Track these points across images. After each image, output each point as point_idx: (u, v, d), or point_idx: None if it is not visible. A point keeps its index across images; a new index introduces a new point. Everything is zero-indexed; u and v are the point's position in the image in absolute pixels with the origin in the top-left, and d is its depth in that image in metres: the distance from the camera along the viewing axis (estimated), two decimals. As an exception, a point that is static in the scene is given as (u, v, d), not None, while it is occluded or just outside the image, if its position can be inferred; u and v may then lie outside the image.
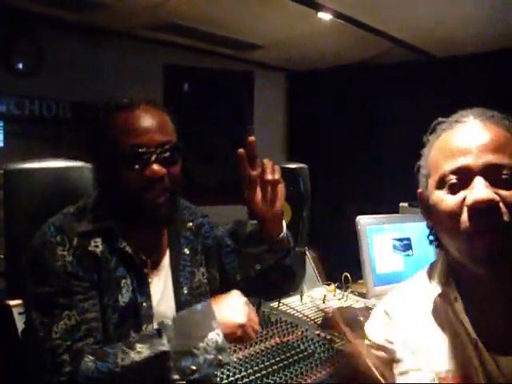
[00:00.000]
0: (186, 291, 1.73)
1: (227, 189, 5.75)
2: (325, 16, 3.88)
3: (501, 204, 1.13)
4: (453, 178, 1.18)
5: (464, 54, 4.64)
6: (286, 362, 2.29)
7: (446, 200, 1.19)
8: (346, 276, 3.14)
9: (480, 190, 1.13)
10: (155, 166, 1.54)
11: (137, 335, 1.50)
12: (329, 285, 3.25)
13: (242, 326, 1.51)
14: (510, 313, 1.20)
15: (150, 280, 1.67)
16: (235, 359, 2.28)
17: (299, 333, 2.60)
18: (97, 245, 1.58)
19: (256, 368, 2.21)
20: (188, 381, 1.48)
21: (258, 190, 1.68)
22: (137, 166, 1.54)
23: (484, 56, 4.56)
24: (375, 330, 1.43)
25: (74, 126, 4.53)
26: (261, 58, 5.42)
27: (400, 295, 1.43)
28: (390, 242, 3.10)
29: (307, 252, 3.39)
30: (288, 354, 2.36)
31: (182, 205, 1.82)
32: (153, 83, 5.15)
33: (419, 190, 1.32)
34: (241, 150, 1.64)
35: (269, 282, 1.82)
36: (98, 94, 4.41)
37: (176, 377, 1.43)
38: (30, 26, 4.26)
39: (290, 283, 1.97)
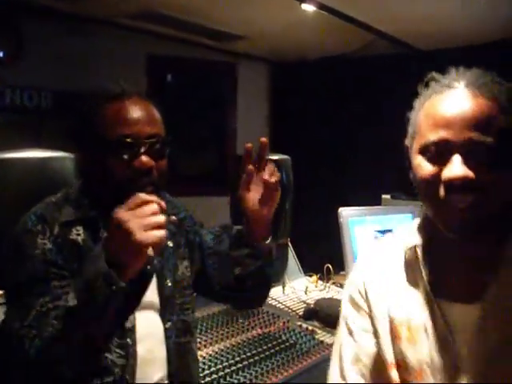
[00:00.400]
0: (169, 283, 1.72)
1: (210, 180, 5.77)
2: (308, 7, 3.88)
3: (476, 181, 1.15)
4: (433, 149, 1.20)
5: (449, 47, 4.66)
6: (267, 353, 2.30)
7: (425, 168, 1.22)
8: (327, 267, 3.15)
9: (456, 167, 1.15)
10: (144, 158, 1.54)
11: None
12: (311, 276, 3.26)
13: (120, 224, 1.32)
14: (469, 270, 1.26)
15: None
16: (216, 350, 2.29)
17: (281, 324, 2.61)
18: (78, 233, 1.57)
19: (238, 359, 2.22)
20: None
21: (254, 188, 1.67)
22: (125, 156, 1.53)
23: (469, 50, 4.59)
24: (356, 273, 1.50)
25: (56, 115, 4.50)
26: (244, 48, 5.41)
27: (380, 245, 1.50)
28: (371, 233, 3.11)
29: (289, 244, 3.41)
30: (270, 345, 2.38)
31: (164, 198, 1.81)
32: (136, 73, 5.12)
33: (406, 143, 1.34)
34: (249, 145, 1.62)
35: (244, 291, 1.81)
36: (81, 84, 4.40)
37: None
38: (11, 15, 4.22)
39: (262, 296, 1.95)
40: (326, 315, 2.64)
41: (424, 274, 1.30)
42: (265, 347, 2.35)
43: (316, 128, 5.64)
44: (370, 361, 1.39)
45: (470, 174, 1.15)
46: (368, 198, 3.04)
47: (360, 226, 3.07)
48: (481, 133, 1.15)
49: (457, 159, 1.16)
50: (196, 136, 5.67)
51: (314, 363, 2.27)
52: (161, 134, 1.61)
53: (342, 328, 1.47)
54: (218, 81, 5.88)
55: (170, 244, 1.77)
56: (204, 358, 2.20)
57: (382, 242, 1.52)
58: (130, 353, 1.53)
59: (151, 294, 1.70)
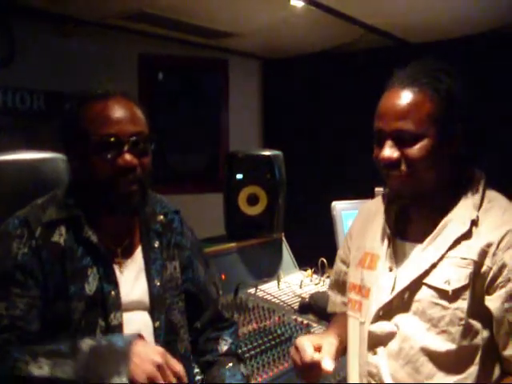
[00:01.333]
0: (158, 283, 1.73)
1: (203, 177, 5.78)
2: (297, 3, 3.88)
3: (402, 159, 1.50)
4: (376, 136, 1.57)
5: (438, 39, 4.67)
6: (263, 347, 2.33)
7: (375, 150, 1.59)
8: (322, 261, 3.17)
9: (385, 150, 1.52)
10: (127, 156, 1.56)
11: (48, 346, 1.44)
12: (305, 270, 3.29)
13: (155, 363, 1.38)
14: (417, 219, 1.64)
15: (120, 269, 1.67)
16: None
17: (276, 318, 2.64)
18: (61, 234, 1.58)
19: (234, 353, 2.23)
20: None
21: None
22: (109, 156, 1.55)
23: (458, 41, 4.60)
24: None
25: (48, 116, 4.51)
26: (235, 45, 5.41)
27: (373, 200, 1.90)
28: (364, 226, 3.13)
29: (283, 238, 3.43)
30: (266, 339, 2.40)
31: (154, 198, 1.83)
32: (127, 73, 5.13)
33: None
34: None
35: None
36: (73, 85, 4.39)
37: None
38: (2, 16, 4.22)
39: None
40: (321, 309, 2.66)
41: (385, 217, 1.68)
42: (261, 341, 2.38)
43: (308, 123, 5.65)
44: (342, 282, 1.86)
45: (394, 155, 1.51)
46: (361, 191, 3.06)
47: (353, 219, 3.09)
48: (404, 122, 1.49)
49: (387, 144, 1.52)
50: (188, 133, 5.68)
51: (309, 356, 2.29)
52: (144, 132, 1.63)
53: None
54: (210, 78, 5.89)
55: (157, 244, 1.78)
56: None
57: (364, 204, 1.96)
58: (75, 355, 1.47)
59: (141, 294, 1.71)
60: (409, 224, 1.66)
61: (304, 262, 3.37)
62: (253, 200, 3.26)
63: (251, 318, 2.61)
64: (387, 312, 1.57)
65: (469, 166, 1.63)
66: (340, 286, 1.88)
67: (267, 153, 3.32)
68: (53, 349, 1.43)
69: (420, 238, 1.59)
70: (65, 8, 4.13)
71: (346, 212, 3.11)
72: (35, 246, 1.54)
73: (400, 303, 1.56)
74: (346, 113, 5.18)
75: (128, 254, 1.72)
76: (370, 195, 3.61)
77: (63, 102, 1.68)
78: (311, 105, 5.63)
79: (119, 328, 1.61)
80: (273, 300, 2.87)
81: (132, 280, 1.70)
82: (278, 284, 3.06)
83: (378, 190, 3.77)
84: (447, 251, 1.52)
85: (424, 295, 1.53)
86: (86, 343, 1.43)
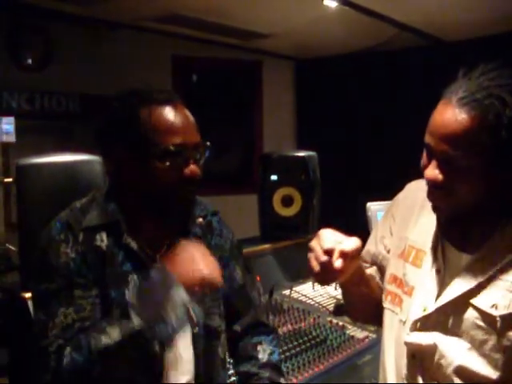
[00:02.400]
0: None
1: (238, 178, 5.79)
2: (331, 3, 3.87)
3: (446, 182, 1.39)
4: (425, 148, 1.44)
5: (473, 37, 4.62)
6: (298, 349, 2.32)
7: (422, 160, 1.46)
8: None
9: (430, 170, 1.41)
10: (193, 167, 1.57)
11: (104, 320, 1.48)
12: (340, 271, 3.26)
13: (202, 279, 1.47)
14: (469, 230, 1.50)
15: None
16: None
17: (311, 320, 2.62)
18: (102, 239, 1.57)
19: (269, 355, 2.23)
20: None
21: None
22: (174, 165, 1.54)
23: (494, 39, 4.54)
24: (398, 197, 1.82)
25: (84, 119, 4.56)
26: (269, 47, 5.41)
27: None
28: (400, 227, 3.10)
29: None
30: (300, 341, 2.39)
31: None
32: (161, 74, 5.17)
33: None
34: None
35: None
36: (108, 87, 4.45)
37: (157, 346, 1.46)
38: (38, 21, 4.29)
39: None
40: (356, 310, 2.64)
41: (437, 216, 1.54)
42: (295, 343, 2.36)
43: (342, 123, 5.63)
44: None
45: (439, 177, 1.39)
46: (397, 191, 3.03)
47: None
48: (453, 148, 1.34)
49: (433, 163, 1.41)
50: (222, 135, 5.69)
51: (344, 358, 2.28)
52: (203, 142, 1.64)
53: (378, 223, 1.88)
54: (243, 80, 5.89)
55: None
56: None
57: (415, 185, 1.76)
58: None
59: None
60: (460, 229, 1.52)
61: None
62: (287, 201, 3.25)
63: (286, 320, 2.60)
64: (425, 323, 1.50)
65: None
66: (377, 266, 1.79)
67: (301, 153, 3.31)
68: (109, 320, 1.47)
69: (470, 249, 1.48)
70: (99, 12, 4.17)
71: (381, 213, 3.07)
72: (81, 250, 1.54)
73: (442, 317, 1.47)
74: (380, 112, 5.15)
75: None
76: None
77: (108, 103, 1.64)
78: (345, 105, 5.60)
79: None
80: (308, 301, 2.85)
81: None
82: (313, 285, 3.04)
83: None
84: (498, 272, 1.41)
85: (468, 314, 1.43)
86: (131, 296, 1.49)
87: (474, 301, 1.42)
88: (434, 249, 1.55)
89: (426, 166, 1.44)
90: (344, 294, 1.80)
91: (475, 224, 1.49)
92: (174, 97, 1.61)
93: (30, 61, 4.33)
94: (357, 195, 3.59)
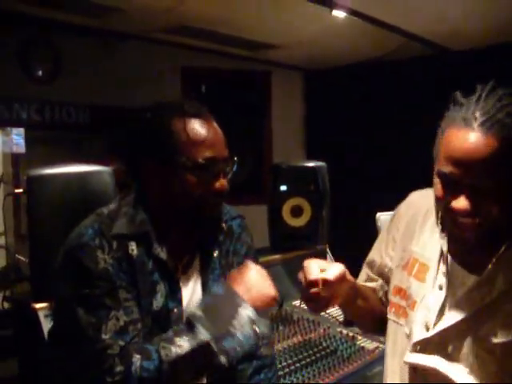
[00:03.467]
0: None
1: (247, 189, 5.78)
2: (339, 14, 3.88)
3: (477, 210, 1.32)
4: (445, 178, 1.36)
5: (480, 46, 4.61)
6: (308, 360, 2.31)
7: (439, 189, 1.39)
8: (367, 273, 3.13)
9: (461, 202, 1.32)
10: (223, 181, 1.62)
11: (170, 331, 1.51)
12: (350, 282, 3.25)
13: (275, 298, 1.58)
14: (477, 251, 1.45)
15: (181, 285, 1.68)
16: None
17: (321, 330, 2.61)
18: (133, 248, 1.59)
19: (279, 366, 2.22)
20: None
21: None
22: (205, 177, 1.59)
23: (500, 48, 4.54)
24: (401, 207, 1.80)
25: (94, 130, 4.57)
26: (277, 57, 5.43)
27: (424, 194, 1.69)
28: (410, 237, 3.08)
29: (328, 250, 3.40)
30: (311, 352, 2.38)
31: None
32: (170, 85, 5.18)
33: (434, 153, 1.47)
34: None
35: None
36: (117, 99, 4.47)
37: (224, 359, 1.46)
38: (48, 33, 4.31)
39: None
40: (366, 321, 2.63)
41: (441, 230, 1.52)
42: (305, 354, 2.35)
43: (351, 133, 5.63)
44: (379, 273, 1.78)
45: (470, 208, 1.32)
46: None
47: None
48: (485, 177, 1.28)
49: (463, 195, 1.32)
50: (232, 145, 5.69)
51: (355, 370, 2.27)
52: (230, 157, 1.68)
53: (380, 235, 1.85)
54: (252, 90, 5.90)
55: (216, 253, 1.77)
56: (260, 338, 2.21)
57: (418, 196, 1.76)
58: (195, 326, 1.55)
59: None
60: (469, 248, 1.47)
61: (349, 273, 3.33)
62: (297, 211, 3.25)
63: (296, 331, 2.59)
64: (426, 346, 1.48)
65: None
66: (384, 278, 1.77)
67: (311, 164, 3.31)
68: (176, 330, 1.51)
69: (476, 269, 1.43)
70: (108, 23, 4.19)
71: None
72: (116, 257, 1.56)
73: (442, 340, 1.45)
74: (389, 123, 5.15)
75: (187, 267, 1.72)
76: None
77: (139, 112, 1.67)
78: (354, 115, 5.60)
79: None
80: (318, 312, 2.84)
81: (190, 293, 1.71)
82: (323, 296, 3.03)
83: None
84: (501, 296, 1.38)
85: (468, 341, 1.41)
86: (195, 311, 1.52)
87: (473, 327, 1.40)
88: (438, 264, 1.52)
89: (443, 196, 1.37)
90: (343, 312, 1.88)
91: (485, 244, 1.42)
92: (204, 110, 1.65)
93: (40, 72, 4.34)
94: (366, 205, 3.58)
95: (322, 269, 1.48)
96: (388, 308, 1.67)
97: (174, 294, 1.65)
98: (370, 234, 3.09)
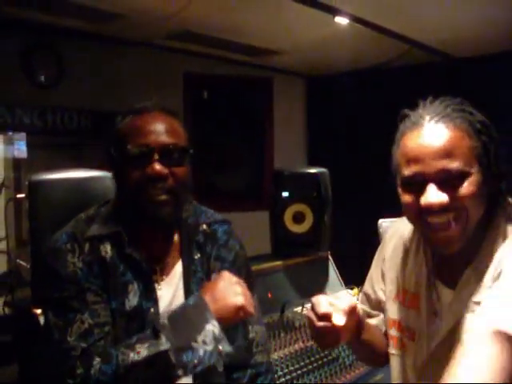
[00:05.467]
0: None
1: (249, 195, 5.78)
2: (342, 20, 3.88)
3: (451, 202, 1.34)
4: (410, 182, 1.40)
5: (485, 53, 4.61)
6: (310, 367, 2.30)
7: (406, 199, 1.44)
8: (369, 280, 3.13)
9: (431, 194, 1.34)
10: (156, 165, 1.58)
11: (135, 336, 1.52)
12: (352, 289, 3.24)
13: (241, 308, 1.52)
14: (453, 264, 1.47)
15: (159, 286, 1.69)
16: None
17: (323, 337, 2.60)
18: (106, 250, 1.63)
19: (280, 373, 2.21)
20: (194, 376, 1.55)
21: None
22: (140, 165, 1.59)
23: (503, 55, 4.54)
24: (381, 245, 1.82)
25: (96, 136, 4.57)
26: (280, 63, 5.43)
27: (400, 225, 1.74)
28: (412, 244, 3.08)
29: (329, 256, 3.40)
30: (312, 359, 2.37)
31: (199, 209, 1.85)
32: (172, 91, 5.18)
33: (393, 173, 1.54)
34: None
35: None
36: (119, 104, 4.46)
37: (180, 372, 1.47)
38: (50, 38, 4.32)
39: None
40: (368, 328, 2.62)
41: (425, 259, 1.57)
42: (307, 361, 2.35)
43: (353, 140, 5.63)
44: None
45: (445, 199, 1.34)
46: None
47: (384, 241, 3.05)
48: (448, 160, 1.33)
49: (431, 188, 1.34)
50: (233, 152, 5.70)
51: (356, 377, 2.26)
52: (178, 144, 1.65)
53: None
54: (254, 96, 5.90)
55: (197, 256, 1.78)
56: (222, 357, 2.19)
57: (400, 223, 1.72)
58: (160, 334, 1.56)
59: None
60: (450, 266, 1.50)
61: (350, 280, 3.32)
62: (299, 218, 3.24)
63: (298, 337, 2.58)
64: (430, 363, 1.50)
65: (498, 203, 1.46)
66: (382, 311, 1.77)
67: (313, 170, 3.31)
68: (140, 336, 1.51)
69: (452, 284, 1.47)
70: (111, 29, 4.20)
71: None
72: (87, 260, 1.60)
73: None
74: (391, 129, 5.14)
75: (168, 270, 1.73)
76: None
77: (109, 121, 1.74)
78: (356, 121, 5.61)
79: None
80: (319, 319, 2.83)
81: (171, 296, 1.71)
82: (325, 303, 3.02)
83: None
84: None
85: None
86: (163, 317, 1.53)
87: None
88: (428, 291, 1.54)
89: (413, 203, 1.40)
90: (352, 348, 1.86)
91: (466, 253, 1.43)
92: (150, 106, 1.68)
93: (42, 78, 4.34)
94: (368, 212, 3.57)
95: (331, 303, 1.45)
96: (388, 342, 1.68)
97: (149, 294, 1.66)
98: (372, 240, 3.08)
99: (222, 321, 1.50)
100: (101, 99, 4.55)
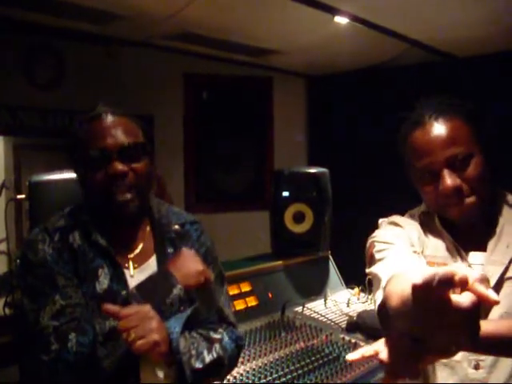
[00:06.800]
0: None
1: (249, 195, 5.78)
2: (341, 20, 3.88)
3: (463, 185, 1.57)
4: (425, 174, 1.63)
5: (486, 52, 4.60)
6: (311, 367, 2.30)
7: (426, 189, 1.65)
8: (369, 279, 3.12)
9: (447, 179, 1.57)
10: (116, 164, 1.69)
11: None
12: (353, 288, 3.25)
13: (202, 273, 1.71)
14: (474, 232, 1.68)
15: (131, 273, 1.78)
16: (260, 364, 2.29)
17: (324, 337, 2.61)
18: (74, 239, 1.73)
19: (281, 373, 2.22)
20: None
21: None
22: (101, 167, 1.69)
23: (503, 55, 4.53)
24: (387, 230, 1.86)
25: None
26: (279, 63, 5.42)
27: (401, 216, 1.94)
28: (412, 244, 3.08)
29: (330, 256, 3.40)
30: (313, 358, 2.37)
31: (171, 210, 1.95)
32: (173, 92, 5.19)
33: (405, 165, 1.78)
34: None
35: None
36: (119, 105, 4.47)
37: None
38: (51, 40, 4.32)
39: None
40: (368, 327, 2.62)
41: (445, 232, 1.71)
42: (308, 361, 2.35)
43: (354, 140, 5.62)
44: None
45: (458, 181, 1.57)
46: (408, 207, 3.01)
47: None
48: (453, 147, 1.57)
49: (445, 173, 1.58)
50: (234, 152, 5.70)
51: (357, 376, 2.26)
52: (134, 141, 1.75)
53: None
54: (254, 96, 5.89)
55: (170, 250, 1.85)
56: (248, 372, 2.21)
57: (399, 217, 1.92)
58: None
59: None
60: (471, 236, 1.69)
61: (351, 280, 3.33)
62: (299, 218, 3.25)
63: (298, 337, 2.58)
64: None
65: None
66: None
67: (313, 170, 3.31)
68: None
69: (479, 247, 1.66)
70: (111, 30, 4.20)
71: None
72: (57, 247, 1.71)
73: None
74: (391, 129, 5.14)
75: (141, 260, 1.82)
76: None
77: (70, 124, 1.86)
78: (356, 121, 5.60)
79: None
80: (320, 318, 2.84)
81: None
82: (325, 302, 3.03)
83: (413, 212, 3.72)
84: None
85: (505, 289, 1.57)
86: (131, 289, 1.67)
87: (508, 274, 1.58)
88: (455, 258, 1.67)
89: (433, 191, 1.62)
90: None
91: (480, 224, 1.67)
92: (102, 112, 1.81)
93: (43, 79, 4.35)
94: (369, 211, 3.57)
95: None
96: None
97: (119, 278, 1.74)
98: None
99: (185, 286, 1.67)
100: (101, 100, 4.55)
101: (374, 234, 1.87)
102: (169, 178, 4.48)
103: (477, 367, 1.58)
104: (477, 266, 1.64)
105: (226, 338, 1.82)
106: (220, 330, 1.83)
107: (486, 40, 4.36)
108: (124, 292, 1.70)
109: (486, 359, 1.56)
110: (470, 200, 1.58)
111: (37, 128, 4.37)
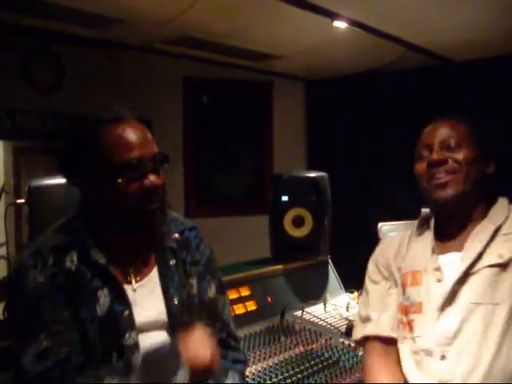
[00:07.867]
0: (176, 302, 1.74)
1: (248, 199, 5.79)
2: (340, 24, 3.89)
3: (450, 160, 1.78)
4: (422, 151, 1.87)
5: (483, 56, 4.61)
6: (310, 371, 2.30)
7: (417, 167, 1.88)
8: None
9: (436, 153, 1.81)
10: (152, 177, 1.62)
11: (106, 368, 1.53)
12: (352, 292, 3.24)
13: (205, 366, 1.53)
14: (456, 231, 1.86)
15: (134, 289, 1.70)
16: (259, 368, 2.29)
17: (323, 341, 2.60)
18: (72, 259, 1.62)
19: (281, 377, 2.21)
20: None
21: None
22: (135, 178, 1.60)
23: (501, 59, 4.54)
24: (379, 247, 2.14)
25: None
26: (279, 67, 5.43)
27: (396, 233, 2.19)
28: (412, 248, 3.08)
29: (329, 260, 3.40)
30: (312, 363, 2.37)
31: (169, 217, 1.85)
32: (173, 96, 5.19)
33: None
34: None
35: None
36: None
37: None
38: (50, 44, 4.33)
39: None
40: (368, 331, 2.61)
41: (432, 233, 1.89)
42: (308, 365, 2.35)
43: (353, 144, 5.63)
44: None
45: (444, 155, 1.79)
46: (408, 212, 3.02)
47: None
48: (448, 133, 1.83)
49: (436, 150, 1.81)
50: (233, 156, 5.71)
51: (357, 380, 2.26)
52: (159, 153, 1.68)
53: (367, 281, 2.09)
54: (254, 100, 5.90)
55: (173, 262, 1.79)
56: (247, 376, 2.20)
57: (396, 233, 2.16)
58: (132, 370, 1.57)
59: (158, 313, 1.73)
60: (446, 240, 1.87)
61: (350, 284, 3.32)
62: (298, 222, 3.25)
63: (298, 341, 2.58)
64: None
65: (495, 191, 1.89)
66: (385, 305, 1.96)
67: (312, 174, 3.31)
68: (113, 368, 1.52)
69: (460, 248, 1.80)
70: (110, 34, 4.20)
71: (392, 234, 3.06)
72: (50, 274, 1.58)
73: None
74: (390, 133, 5.14)
75: (143, 273, 1.75)
76: (417, 216, 3.57)
77: (73, 124, 1.76)
78: (355, 125, 5.61)
79: (135, 348, 1.63)
80: (319, 323, 2.83)
81: (147, 299, 1.72)
82: (325, 306, 3.03)
83: (425, 210, 3.72)
84: (489, 242, 1.75)
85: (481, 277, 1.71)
86: (136, 357, 1.55)
87: (479, 264, 1.73)
88: (433, 260, 1.83)
89: (422, 167, 1.84)
90: None
91: (462, 221, 1.83)
92: (124, 113, 1.67)
93: (42, 83, 4.36)
94: (368, 216, 3.57)
95: None
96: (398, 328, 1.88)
97: (120, 297, 1.65)
98: (372, 244, 3.08)
99: (192, 370, 1.51)
100: (101, 104, 4.56)
101: (374, 253, 2.12)
102: (168, 182, 4.47)
103: (443, 358, 1.68)
104: (447, 268, 1.78)
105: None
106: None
107: (483, 44, 4.37)
108: (126, 312, 1.64)
109: (451, 350, 1.67)
110: (454, 177, 1.77)
111: (36, 132, 4.38)
